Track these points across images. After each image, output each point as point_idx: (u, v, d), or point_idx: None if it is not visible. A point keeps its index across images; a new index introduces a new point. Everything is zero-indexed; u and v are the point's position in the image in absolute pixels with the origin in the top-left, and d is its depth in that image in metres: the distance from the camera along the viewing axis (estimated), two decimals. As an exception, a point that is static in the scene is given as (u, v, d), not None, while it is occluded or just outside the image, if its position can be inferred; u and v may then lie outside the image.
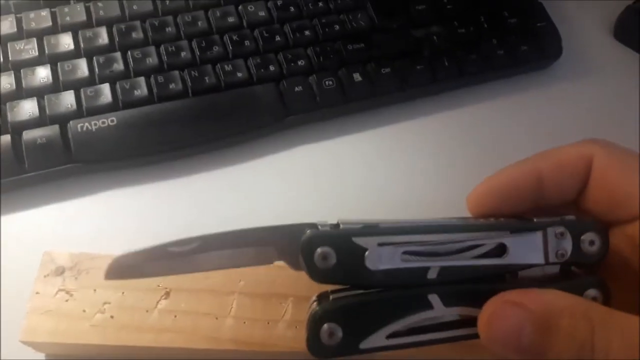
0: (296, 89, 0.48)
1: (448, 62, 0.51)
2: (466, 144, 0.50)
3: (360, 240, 0.28)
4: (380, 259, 0.28)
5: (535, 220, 0.29)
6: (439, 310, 0.29)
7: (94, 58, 0.47)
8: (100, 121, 0.44)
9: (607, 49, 0.57)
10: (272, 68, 0.48)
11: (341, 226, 0.28)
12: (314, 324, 0.28)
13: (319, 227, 0.28)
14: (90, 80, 0.46)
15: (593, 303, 0.27)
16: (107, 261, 0.34)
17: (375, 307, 0.28)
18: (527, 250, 0.29)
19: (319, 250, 0.28)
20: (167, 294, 0.35)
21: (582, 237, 0.29)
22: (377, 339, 0.28)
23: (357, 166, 0.48)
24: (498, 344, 0.27)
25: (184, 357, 0.36)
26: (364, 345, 0.28)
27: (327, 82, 0.48)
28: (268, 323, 0.34)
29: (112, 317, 0.34)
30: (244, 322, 0.34)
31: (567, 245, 0.29)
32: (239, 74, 0.48)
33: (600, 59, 0.56)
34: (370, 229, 0.28)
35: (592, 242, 0.29)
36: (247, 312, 0.34)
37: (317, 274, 0.28)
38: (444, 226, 0.29)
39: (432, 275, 0.28)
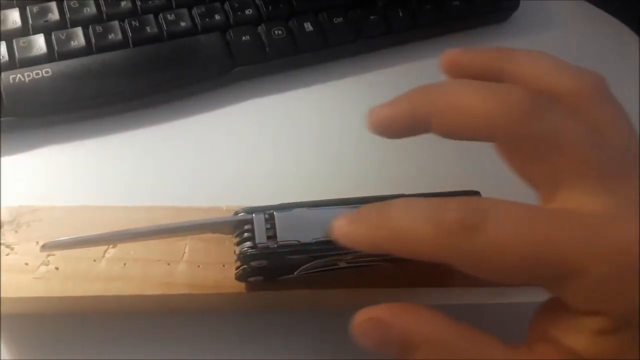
0: (243, 38, 0.49)
1: (402, 12, 0.53)
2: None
3: (293, 257, 0.32)
4: (307, 268, 0.33)
5: None
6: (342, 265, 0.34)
7: (27, 8, 0.47)
8: (34, 72, 0.44)
9: (563, 2, 0.60)
10: (217, 17, 0.49)
11: (278, 240, 0.31)
12: (242, 277, 0.34)
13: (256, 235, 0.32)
14: (24, 31, 0.46)
15: (457, 330, 0.28)
16: (49, 213, 0.36)
17: (288, 267, 0.33)
18: None
19: (254, 262, 0.32)
20: (115, 243, 0.36)
21: None
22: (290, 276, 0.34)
23: (308, 120, 0.49)
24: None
25: (136, 307, 0.37)
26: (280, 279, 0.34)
27: (276, 32, 0.49)
28: (224, 266, 0.35)
29: (57, 268, 0.35)
30: (198, 266, 0.35)
31: None
32: (182, 24, 0.48)
33: (557, 12, 0.59)
34: (304, 247, 0.31)
35: None
36: (201, 256, 0.35)
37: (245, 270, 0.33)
38: None
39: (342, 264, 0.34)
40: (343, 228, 0.29)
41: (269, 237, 0.31)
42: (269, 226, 0.31)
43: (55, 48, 0.46)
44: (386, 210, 0.28)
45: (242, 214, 0.32)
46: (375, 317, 0.29)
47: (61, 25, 0.47)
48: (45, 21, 0.47)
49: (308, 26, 0.50)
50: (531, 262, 0.25)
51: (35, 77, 0.44)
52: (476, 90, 0.28)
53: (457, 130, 0.29)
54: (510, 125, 0.27)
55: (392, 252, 0.28)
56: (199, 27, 0.49)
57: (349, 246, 0.29)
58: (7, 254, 0.35)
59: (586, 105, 0.29)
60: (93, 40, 0.47)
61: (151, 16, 0.48)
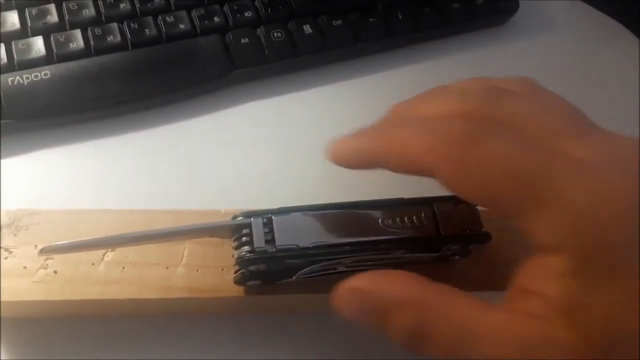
0: (243, 41, 0.49)
1: (402, 15, 0.53)
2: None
3: (292, 261, 0.32)
4: (306, 272, 0.33)
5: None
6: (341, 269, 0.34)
7: (26, 10, 0.47)
8: (33, 75, 0.44)
9: (563, 4, 0.60)
10: (217, 19, 0.49)
11: (276, 245, 0.32)
12: (240, 281, 0.34)
13: (255, 241, 0.32)
14: (23, 33, 0.46)
15: (434, 291, 0.28)
16: (48, 217, 0.36)
17: (286, 272, 0.33)
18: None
19: (253, 266, 0.32)
20: (113, 247, 0.36)
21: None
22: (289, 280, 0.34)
23: (308, 123, 0.49)
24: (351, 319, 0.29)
25: (134, 310, 0.37)
26: (278, 283, 0.34)
27: (275, 34, 0.50)
28: (222, 269, 0.35)
29: (55, 272, 0.35)
30: (197, 270, 0.35)
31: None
32: (182, 26, 0.48)
33: (557, 14, 0.59)
34: (303, 251, 0.32)
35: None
36: (199, 259, 0.36)
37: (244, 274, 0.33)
38: (363, 245, 0.33)
39: (341, 268, 0.33)
40: (338, 146, 0.30)
41: (267, 242, 0.31)
42: (267, 230, 0.32)
43: (54, 50, 0.46)
44: (382, 124, 0.30)
45: (240, 218, 0.33)
46: (353, 287, 0.29)
47: (60, 27, 0.47)
48: (44, 23, 0.47)
49: (307, 29, 0.50)
50: (518, 182, 0.25)
51: (34, 79, 0.44)
52: (418, 127, 0.29)
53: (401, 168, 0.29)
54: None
55: (387, 163, 0.28)
56: (198, 29, 0.49)
57: (344, 164, 0.30)
58: (6, 258, 0.35)
59: None
60: (92, 43, 0.47)
61: (150, 18, 0.48)
